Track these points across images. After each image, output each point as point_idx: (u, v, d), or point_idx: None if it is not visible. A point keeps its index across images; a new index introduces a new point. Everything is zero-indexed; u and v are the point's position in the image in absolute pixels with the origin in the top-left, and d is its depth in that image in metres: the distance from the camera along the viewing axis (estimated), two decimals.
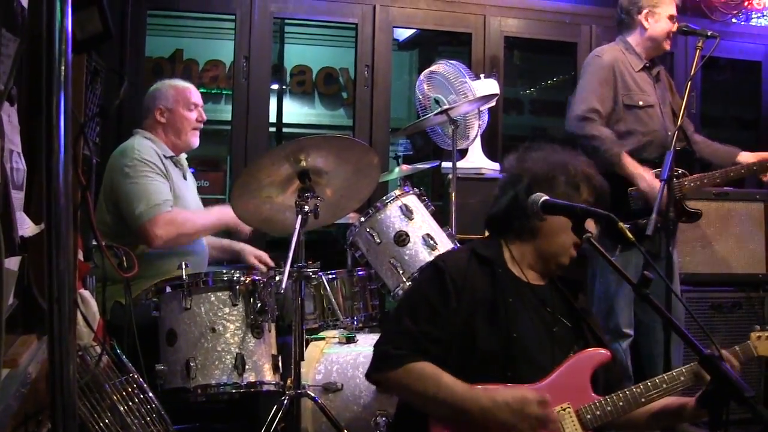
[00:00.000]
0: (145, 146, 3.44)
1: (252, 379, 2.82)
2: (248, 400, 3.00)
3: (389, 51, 5.12)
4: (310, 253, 2.97)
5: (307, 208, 2.72)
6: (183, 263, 2.89)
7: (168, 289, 2.89)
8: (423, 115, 4.31)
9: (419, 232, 3.10)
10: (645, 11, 3.97)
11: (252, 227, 3.53)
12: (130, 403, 2.33)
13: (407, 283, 3.04)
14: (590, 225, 2.21)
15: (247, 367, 2.81)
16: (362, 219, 3.15)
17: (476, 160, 4.56)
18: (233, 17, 4.88)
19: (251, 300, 2.87)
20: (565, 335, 2.31)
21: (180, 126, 3.60)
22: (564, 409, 2.15)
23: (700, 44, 3.74)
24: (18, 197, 1.74)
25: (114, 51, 4.43)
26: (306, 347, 2.96)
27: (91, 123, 3.26)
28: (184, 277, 2.84)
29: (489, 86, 4.35)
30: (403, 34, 7.38)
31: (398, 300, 3.00)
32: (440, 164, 4.33)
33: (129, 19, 4.56)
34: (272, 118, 8.10)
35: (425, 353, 2.14)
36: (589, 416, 2.15)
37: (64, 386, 1.21)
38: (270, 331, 2.97)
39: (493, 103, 4.48)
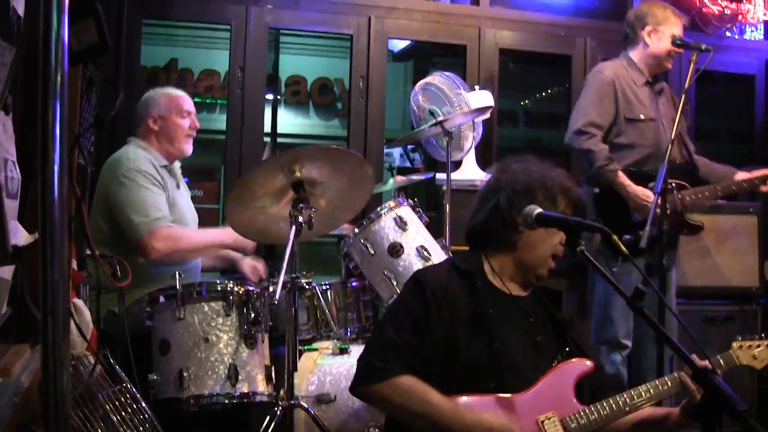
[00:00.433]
0: (139, 156, 3.45)
1: (245, 389, 2.81)
2: (241, 411, 2.98)
3: (384, 62, 5.13)
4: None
5: (301, 218, 2.72)
6: (177, 273, 2.89)
7: (161, 299, 2.87)
8: (417, 127, 4.32)
9: (413, 243, 3.10)
10: (648, 28, 3.98)
11: (249, 239, 3.52)
12: (123, 413, 2.32)
13: None
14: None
15: (240, 377, 2.79)
16: (356, 230, 3.14)
17: (470, 171, 4.56)
18: (228, 27, 4.90)
19: (245, 310, 2.86)
20: (549, 345, 2.33)
21: (173, 133, 3.60)
22: (549, 418, 2.16)
23: (694, 58, 3.75)
24: (12, 206, 1.74)
25: (109, 59, 4.42)
26: (299, 358, 2.96)
27: (86, 133, 3.26)
28: (177, 286, 2.82)
29: (484, 98, 4.35)
30: (398, 45, 7.41)
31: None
32: (434, 176, 4.34)
33: (124, 27, 4.55)
34: (267, 128, 8.08)
35: (411, 367, 2.16)
36: (574, 425, 2.16)
37: (57, 396, 1.20)
38: (263, 342, 2.95)
39: (487, 115, 4.49)
